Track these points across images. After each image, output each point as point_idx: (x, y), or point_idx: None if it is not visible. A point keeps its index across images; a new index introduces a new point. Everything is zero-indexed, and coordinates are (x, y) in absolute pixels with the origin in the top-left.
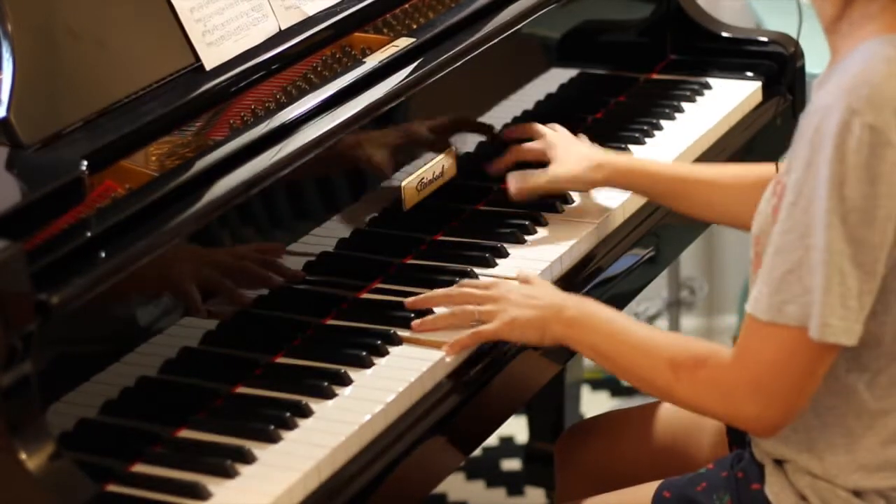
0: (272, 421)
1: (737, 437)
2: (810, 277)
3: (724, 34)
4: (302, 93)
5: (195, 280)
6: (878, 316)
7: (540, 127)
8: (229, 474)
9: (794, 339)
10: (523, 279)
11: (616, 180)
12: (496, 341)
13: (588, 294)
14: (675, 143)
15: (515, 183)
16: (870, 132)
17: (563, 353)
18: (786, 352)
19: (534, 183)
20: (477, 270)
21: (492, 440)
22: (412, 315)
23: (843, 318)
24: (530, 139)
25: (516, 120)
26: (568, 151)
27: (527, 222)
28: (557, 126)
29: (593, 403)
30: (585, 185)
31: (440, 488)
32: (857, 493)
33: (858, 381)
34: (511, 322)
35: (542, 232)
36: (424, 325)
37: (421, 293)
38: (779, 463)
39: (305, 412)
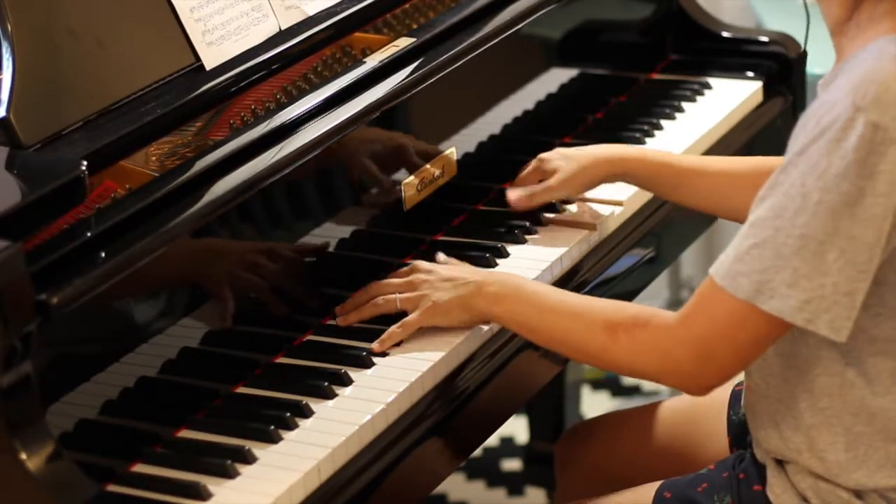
0: (272, 421)
1: (738, 439)
2: (776, 258)
3: (725, 34)
4: (302, 93)
5: (195, 280)
6: (873, 308)
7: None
8: (229, 474)
9: (741, 311)
10: (444, 261)
11: (614, 172)
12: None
13: (588, 295)
14: (676, 144)
15: (518, 202)
16: (873, 129)
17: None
18: (732, 319)
19: (538, 199)
20: None
21: (492, 440)
22: None
23: (827, 310)
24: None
25: (516, 120)
26: (564, 159)
27: (527, 222)
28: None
29: (594, 404)
30: (586, 184)
31: (440, 488)
32: (859, 495)
33: (857, 376)
34: (433, 307)
35: (542, 232)
36: (348, 319)
37: None
38: (780, 464)
39: (305, 412)
